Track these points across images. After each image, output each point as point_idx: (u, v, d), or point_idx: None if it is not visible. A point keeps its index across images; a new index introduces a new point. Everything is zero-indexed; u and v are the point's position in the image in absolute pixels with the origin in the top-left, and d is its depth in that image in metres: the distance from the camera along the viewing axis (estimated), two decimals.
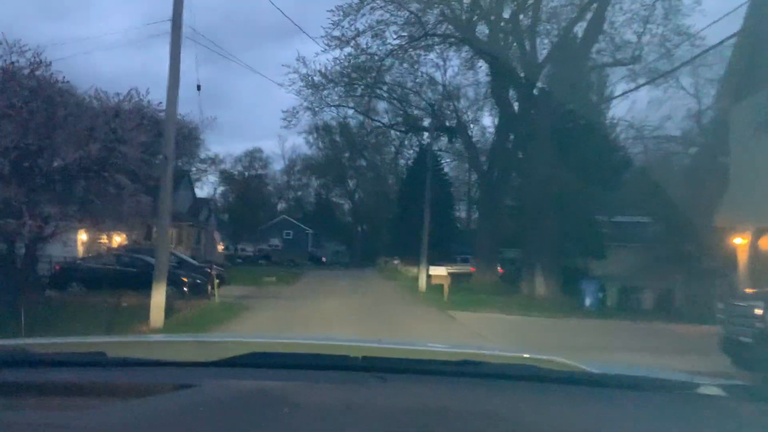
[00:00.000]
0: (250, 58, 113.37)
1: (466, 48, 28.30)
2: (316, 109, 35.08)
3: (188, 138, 68.70)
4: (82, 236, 25.01)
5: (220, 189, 72.58)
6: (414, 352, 2.25)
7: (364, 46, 26.72)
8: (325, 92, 34.43)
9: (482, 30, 26.46)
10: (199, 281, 20.48)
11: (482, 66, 30.19)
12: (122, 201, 12.96)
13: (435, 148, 32.84)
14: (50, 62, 12.98)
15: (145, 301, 15.16)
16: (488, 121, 46.16)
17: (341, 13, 24.99)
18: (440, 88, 34.86)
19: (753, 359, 8.92)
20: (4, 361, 1.75)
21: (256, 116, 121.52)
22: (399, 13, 25.38)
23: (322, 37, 25.09)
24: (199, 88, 15.51)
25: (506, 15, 27.33)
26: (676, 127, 33.92)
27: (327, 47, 26.01)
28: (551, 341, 13.52)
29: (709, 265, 21.93)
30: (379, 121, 38.20)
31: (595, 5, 25.43)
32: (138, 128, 13.06)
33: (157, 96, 14.77)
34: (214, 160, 71.62)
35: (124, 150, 12.63)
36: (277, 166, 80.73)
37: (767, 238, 15.65)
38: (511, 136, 30.18)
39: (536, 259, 25.84)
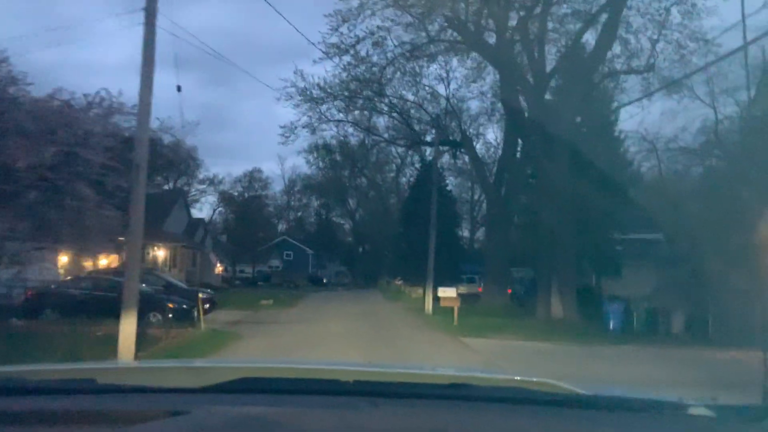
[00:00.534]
0: (250, 79, 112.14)
1: (473, 56, 26.46)
2: (315, 124, 33.31)
3: (186, 159, 67.01)
4: (63, 258, 22.93)
5: (220, 210, 70.74)
6: (405, 375, 2.20)
7: (364, 55, 24.86)
8: (324, 107, 32.69)
9: (489, 35, 24.57)
10: (185, 307, 18.35)
11: (490, 74, 28.39)
12: (84, 215, 10.86)
13: (438, 165, 30.79)
14: (6, 57, 11.07)
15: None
16: (492, 136, 44.20)
17: (339, 18, 23.16)
18: (443, 101, 33.06)
19: None
20: None
21: (257, 138, 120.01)
22: (401, 18, 23.54)
23: (319, 43, 23.21)
24: (179, 89, 13.53)
25: (513, 23, 25.57)
26: (692, 139, 31.91)
27: (325, 55, 24.12)
28: (588, 373, 11.40)
29: (743, 285, 19.78)
30: (381, 136, 36.24)
31: (606, 14, 23.67)
32: (105, 131, 11.00)
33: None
34: (212, 181, 70.00)
35: (87, 155, 10.58)
36: (278, 186, 78.59)
37: None
38: (520, 148, 28.23)
39: (551, 278, 23.70)
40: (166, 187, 60.73)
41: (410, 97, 31.92)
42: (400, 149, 55.54)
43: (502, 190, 30.63)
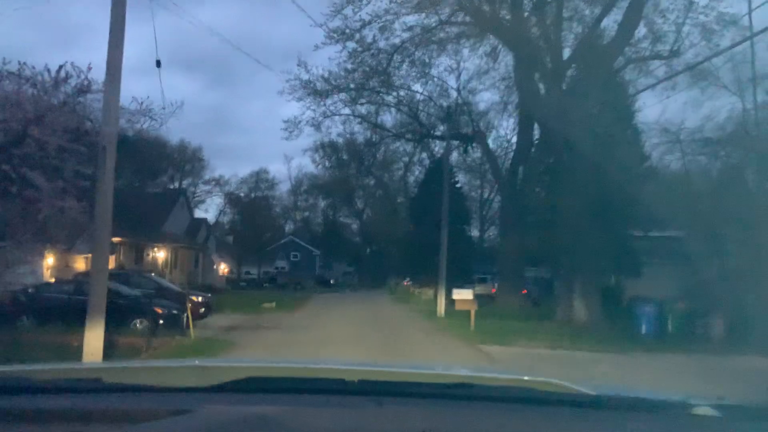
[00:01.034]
0: (258, 80, 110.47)
1: (485, 42, 24.46)
2: (320, 119, 31.42)
3: (191, 159, 65.09)
4: (49, 260, 21.11)
5: (226, 211, 69.06)
6: (410, 375, 2.17)
7: (371, 41, 22.90)
8: (329, 101, 30.81)
9: (504, 16, 22.56)
10: (175, 312, 16.42)
11: (503, 64, 26.40)
12: (36, 207, 8.98)
13: (449, 159, 28.80)
14: None
15: (112, 339, 12.06)
16: (504, 132, 42.07)
17: None
18: (454, 94, 31.10)
19: None
20: (0, 388, 1.72)
21: (263, 140, 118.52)
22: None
23: (321, 25, 21.27)
24: (158, 64, 11.63)
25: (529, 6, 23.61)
26: (718, 130, 29.71)
27: (328, 39, 22.18)
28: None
29: None
30: (389, 130, 34.26)
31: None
32: (63, 107, 9.10)
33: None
34: (218, 182, 68.27)
35: (40, 135, 8.68)
36: (284, 187, 76.85)
37: None
38: (537, 139, 26.24)
39: (573, 278, 21.66)
40: (171, 187, 59.26)
41: (419, 88, 29.98)
42: (407, 146, 53.66)
43: (516, 184, 28.62)
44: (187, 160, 66.38)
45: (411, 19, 21.75)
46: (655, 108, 54.23)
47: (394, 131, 34.61)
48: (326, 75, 29.37)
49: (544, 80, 22.61)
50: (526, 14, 22.81)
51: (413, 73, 28.86)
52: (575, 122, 22.07)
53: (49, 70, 10.23)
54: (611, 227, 24.92)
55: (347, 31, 22.21)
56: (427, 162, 48.11)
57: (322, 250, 72.23)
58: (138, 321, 15.88)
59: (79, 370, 2.14)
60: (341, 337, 16.03)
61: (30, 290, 16.78)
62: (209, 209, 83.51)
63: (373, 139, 35.03)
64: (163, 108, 10.25)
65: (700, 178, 30.20)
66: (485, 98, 77.06)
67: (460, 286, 33.37)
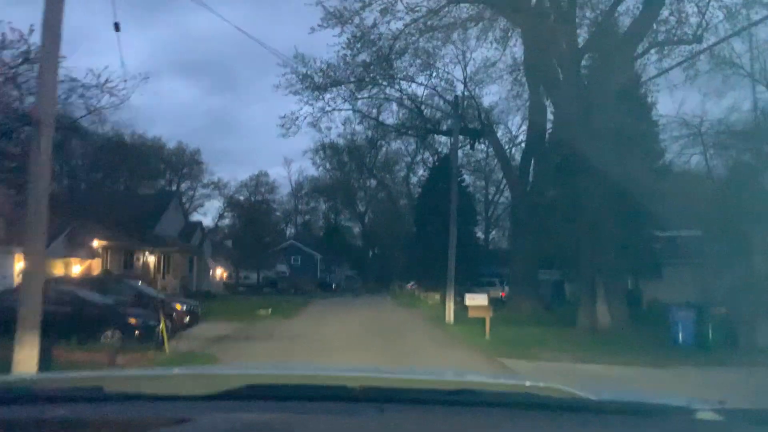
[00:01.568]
0: (262, 85, 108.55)
1: (497, 26, 22.41)
2: (318, 114, 29.42)
3: (189, 163, 62.99)
4: (18, 264, 19.02)
5: (225, 215, 66.98)
6: (412, 381, 2.08)
7: (371, 24, 20.83)
8: (329, 95, 28.80)
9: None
10: (153, 323, 14.31)
11: (513, 51, 24.36)
12: None
13: (457, 153, 26.67)
14: None
15: (74, 354, 11.47)
16: (512, 126, 39.86)
17: None
18: (460, 87, 29.01)
19: None
20: (1, 398, 1.71)
21: (262, 144, 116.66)
22: None
23: (318, 3, 19.20)
24: (117, 27, 9.57)
25: None
26: (741, 123, 27.52)
27: (325, 22, 20.13)
28: None
29: None
30: (391, 127, 32.14)
31: None
32: None
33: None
34: (217, 185, 66.18)
35: None
36: (285, 190, 74.59)
37: None
38: (550, 130, 24.18)
39: (595, 281, 19.54)
40: (168, 189, 57.17)
41: (423, 81, 27.96)
42: (410, 147, 51.65)
43: (528, 182, 26.54)
44: (185, 163, 64.37)
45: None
46: (672, 103, 51.35)
47: (396, 128, 32.49)
48: (324, 67, 27.42)
49: (559, 64, 20.51)
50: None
51: (417, 64, 26.88)
52: (594, 109, 20.01)
53: None
54: (632, 226, 22.87)
55: (346, 13, 20.16)
56: (430, 162, 46.04)
57: (324, 253, 70.07)
58: (109, 333, 13.80)
59: (80, 378, 2.08)
60: (340, 349, 13.94)
61: None
62: (208, 213, 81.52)
63: (375, 136, 32.86)
64: (125, 81, 8.19)
65: (724, 172, 28.09)
66: (493, 91, 74.78)
67: (468, 290, 31.18)
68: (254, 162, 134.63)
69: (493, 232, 64.48)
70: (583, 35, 22.43)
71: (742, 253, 21.84)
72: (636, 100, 25.35)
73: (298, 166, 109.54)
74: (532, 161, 26.91)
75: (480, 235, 54.74)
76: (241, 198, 66.47)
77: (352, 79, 27.90)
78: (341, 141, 46.45)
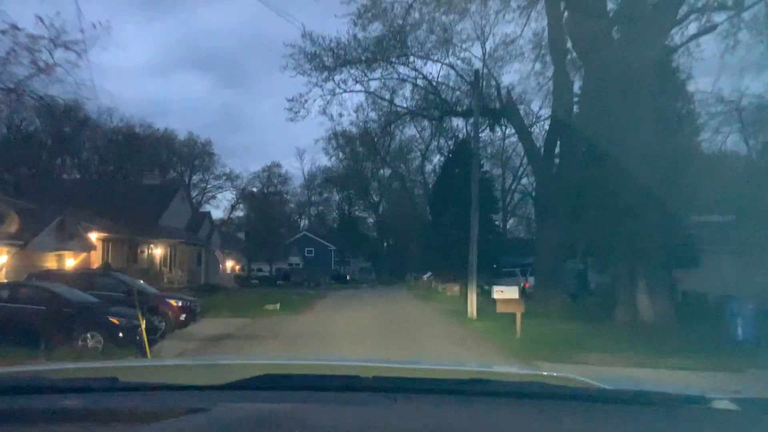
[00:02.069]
0: (271, 81, 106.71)
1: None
2: (329, 96, 27.40)
3: (201, 154, 61.42)
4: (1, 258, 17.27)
5: (238, 206, 65.35)
6: (425, 371, 2.04)
7: None
8: (338, 76, 26.78)
9: None
10: (139, 323, 12.40)
11: (539, 19, 22.15)
12: None
13: (477, 133, 24.44)
14: None
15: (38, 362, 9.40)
16: (534, 106, 37.39)
17: None
18: (478, 64, 26.77)
19: None
20: (16, 388, 1.71)
21: (275, 137, 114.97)
22: None
23: None
24: None
25: None
26: None
27: None
28: None
29: None
30: (406, 108, 30.01)
31: None
32: None
33: None
34: (229, 176, 64.50)
35: None
36: (298, 182, 72.73)
37: None
38: (578, 107, 21.98)
39: (635, 270, 17.38)
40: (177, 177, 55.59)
41: (439, 57, 25.83)
42: (425, 133, 49.48)
43: (553, 165, 24.34)
44: (196, 155, 62.76)
45: None
46: (708, 77, 48.39)
47: (411, 110, 30.36)
48: (334, 45, 25.39)
49: (591, 29, 18.23)
50: None
51: (432, 40, 24.72)
52: (631, 80, 17.74)
53: None
54: (671, 209, 20.66)
55: None
56: (445, 150, 43.78)
57: (338, 245, 68.27)
58: (88, 336, 11.91)
59: (95, 369, 2.11)
60: (351, 352, 11.96)
61: None
62: (220, 205, 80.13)
63: (390, 119, 30.73)
64: (81, 31, 6.37)
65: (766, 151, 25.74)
66: (513, 69, 71.81)
67: (489, 282, 29.16)
68: (267, 155, 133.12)
69: (510, 221, 62.48)
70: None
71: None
72: (670, 73, 23.13)
73: (310, 156, 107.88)
74: (557, 142, 24.67)
75: (497, 223, 52.62)
76: (254, 189, 64.87)
77: (364, 58, 25.87)
78: (354, 129, 44.51)
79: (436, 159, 50.44)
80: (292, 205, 73.57)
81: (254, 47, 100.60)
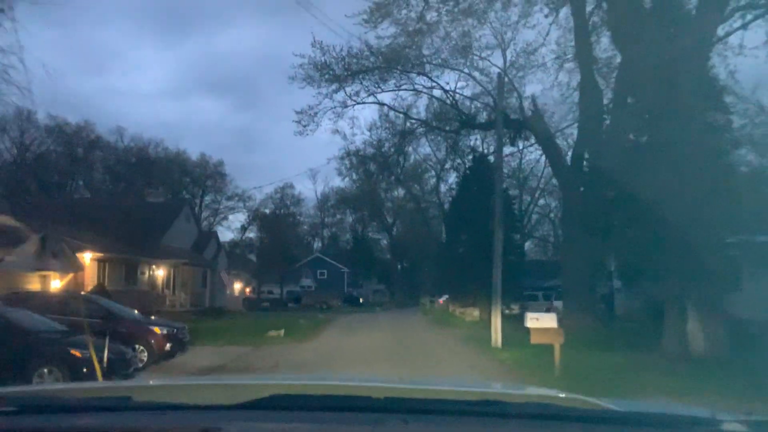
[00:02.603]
0: (285, 104, 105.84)
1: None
2: (339, 109, 25.58)
3: (212, 175, 59.74)
4: None
5: (250, 227, 63.63)
6: (436, 392, 2.03)
7: None
8: (350, 88, 25.00)
9: None
10: (112, 356, 10.29)
11: (565, 20, 20.22)
12: None
13: (501, 144, 22.31)
14: None
15: None
16: (558, 117, 35.32)
17: None
18: (499, 75, 24.79)
19: None
20: (30, 407, 1.69)
21: (288, 160, 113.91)
22: None
23: None
24: None
25: None
26: None
27: None
28: None
29: None
30: (421, 121, 28.02)
31: None
32: None
33: None
34: (241, 197, 62.87)
35: None
36: (311, 203, 71.01)
37: None
38: (610, 112, 19.91)
39: (684, 295, 15.11)
40: (186, 196, 53.99)
41: (456, 65, 23.94)
42: (440, 154, 47.55)
43: (582, 178, 22.17)
44: (208, 175, 61.30)
45: None
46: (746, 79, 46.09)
47: (427, 122, 28.40)
48: (345, 54, 23.63)
49: (631, 18, 16.15)
50: None
51: (449, 47, 22.83)
52: (671, 78, 15.60)
53: None
54: (717, 227, 18.38)
55: None
56: (462, 167, 41.68)
57: (351, 267, 66.13)
58: (45, 370, 9.87)
59: (109, 388, 2.15)
60: None
61: None
62: (232, 226, 78.65)
63: (405, 132, 28.79)
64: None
65: None
66: (535, 79, 70.06)
67: (509, 305, 26.81)
68: (280, 176, 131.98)
69: (528, 243, 59.96)
70: None
71: None
72: (708, 81, 21.02)
73: (323, 177, 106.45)
74: (584, 155, 22.55)
75: (519, 243, 50.16)
76: (267, 211, 63.15)
77: (377, 66, 24.07)
78: (368, 148, 42.68)
79: (452, 178, 48.42)
80: (305, 227, 71.82)
81: (269, 69, 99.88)
